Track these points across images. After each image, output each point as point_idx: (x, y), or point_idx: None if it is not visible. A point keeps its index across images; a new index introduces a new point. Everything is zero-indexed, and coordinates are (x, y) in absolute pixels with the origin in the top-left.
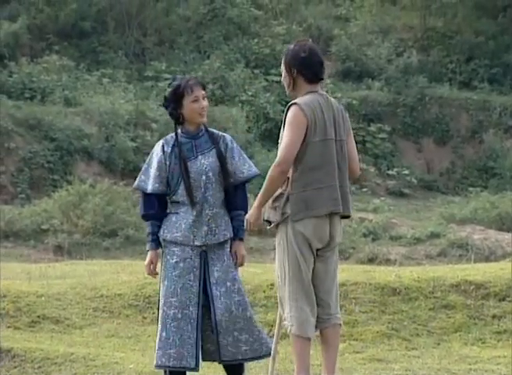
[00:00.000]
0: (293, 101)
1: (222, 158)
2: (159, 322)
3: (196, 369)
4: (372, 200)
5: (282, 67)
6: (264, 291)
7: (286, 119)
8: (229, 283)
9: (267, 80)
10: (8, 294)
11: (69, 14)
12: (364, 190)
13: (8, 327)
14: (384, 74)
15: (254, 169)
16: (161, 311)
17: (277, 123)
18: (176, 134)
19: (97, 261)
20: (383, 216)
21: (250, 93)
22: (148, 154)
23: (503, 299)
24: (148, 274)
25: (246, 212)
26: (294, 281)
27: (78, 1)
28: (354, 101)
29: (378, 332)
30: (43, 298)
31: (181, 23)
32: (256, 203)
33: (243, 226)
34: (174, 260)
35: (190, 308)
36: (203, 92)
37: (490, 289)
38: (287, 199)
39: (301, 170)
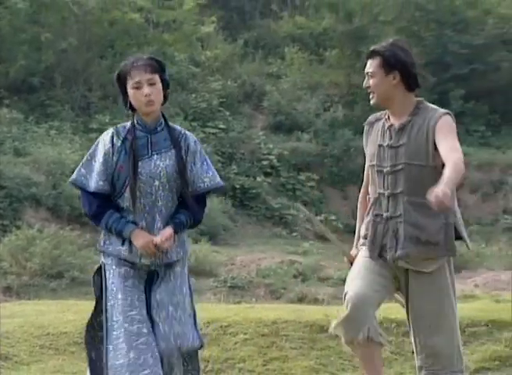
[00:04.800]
0: (446, 111)
1: (181, 162)
2: (119, 342)
3: None
4: (302, 243)
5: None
6: (201, 329)
7: (447, 126)
8: (171, 308)
9: (204, 132)
10: None
11: (18, 70)
12: (294, 234)
13: None
14: (312, 127)
15: (219, 180)
16: (121, 329)
17: None
18: (133, 125)
19: (44, 301)
20: (312, 258)
21: None
22: None
23: None
24: (156, 246)
25: (195, 223)
26: None
27: (27, 58)
28: (285, 152)
29: (307, 367)
30: None
31: None
32: (451, 185)
33: (183, 225)
34: (123, 269)
35: (149, 323)
36: (149, 76)
37: None
38: (449, 231)
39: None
